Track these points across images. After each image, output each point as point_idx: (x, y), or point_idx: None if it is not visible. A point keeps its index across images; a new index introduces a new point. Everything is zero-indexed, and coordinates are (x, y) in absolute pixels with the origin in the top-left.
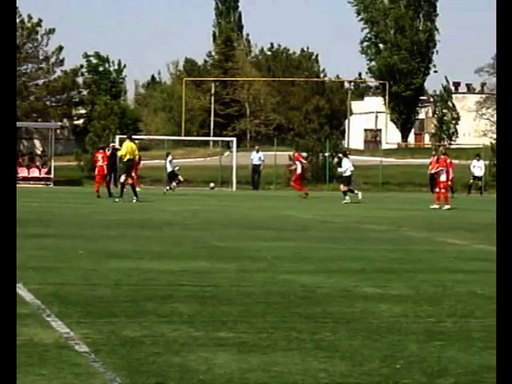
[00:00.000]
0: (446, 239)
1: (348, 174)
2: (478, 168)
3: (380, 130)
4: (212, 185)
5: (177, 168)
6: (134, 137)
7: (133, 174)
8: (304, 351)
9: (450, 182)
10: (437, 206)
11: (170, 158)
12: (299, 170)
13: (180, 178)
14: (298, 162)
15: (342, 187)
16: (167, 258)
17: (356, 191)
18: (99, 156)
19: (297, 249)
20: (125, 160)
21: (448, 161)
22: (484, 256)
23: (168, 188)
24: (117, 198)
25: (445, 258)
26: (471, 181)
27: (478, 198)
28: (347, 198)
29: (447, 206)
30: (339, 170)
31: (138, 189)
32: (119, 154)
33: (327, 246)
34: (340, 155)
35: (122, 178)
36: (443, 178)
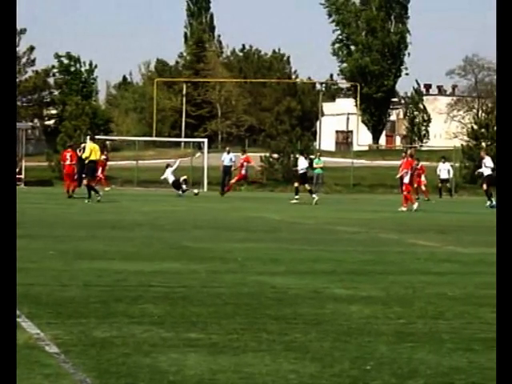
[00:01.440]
0: (417, 241)
1: (302, 171)
2: (445, 171)
3: (351, 132)
4: (196, 191)
5: (183, 178)
6: (102, 137)
7: (98, 175)
8: (274, 352)
9: (423, 187)
10: (404, 209)
11: (172, 168)
12: (243, 172)
13: (184, 186)
14: (245, 164)
15: (296, 184)
16: (138, 258)
17: (314, 195)
18: (67, 155)
19: (267, 250)
20: (89, 161)
21: (415, 163)
22: (454, 258)
23: (181, 192)
24: (86, 199)
25: (415, 259)
26: (439, 184)
27: (448, 200)
28: (296, 197)
29: (415, 206)
30: (296, 168)
31: (107, 188)
32: (84, 155)
33: (298, 247)
34: (298, 155)
35: (85, 181)
36: (406, 180)
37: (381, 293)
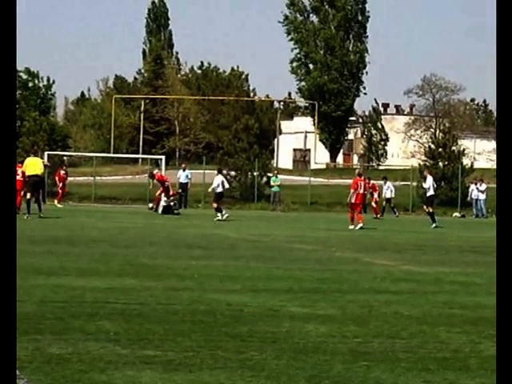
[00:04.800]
0: (374, 260)
1: (219, 190)
2: (387, 190)
3: (309, 150)
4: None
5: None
6: (60, 153)
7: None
8: (230, 370)
9: (374, 204)
10: (352, 227)
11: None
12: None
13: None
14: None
15: (214, 204)
16: (94, 275)
17: (223, 211)
18: (18, 170)
19: (224, 267)
20: (26, 176)
21: (361, 182)
22: (411, 277)
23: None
24: (25, 215)
25: (372, 278)
26: (384, 203)
27: (398, 218)
28: (219, 215)
29: (359, 226)
30: (212, 187)
31: (59, 205)
32: (27, 171)
33: (255, 265)
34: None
35: (28, 195)
36: (353, 199)
37: (337, 311)
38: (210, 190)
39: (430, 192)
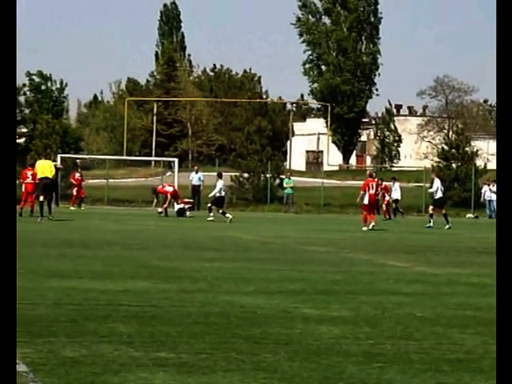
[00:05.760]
0: (387, 261)
1: (222, 194)
2: (396, 191)
3: (322, 152)
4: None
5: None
6: (72, 156)
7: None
8: (243, 372)
9: (384, 206)
10: (365, 229)
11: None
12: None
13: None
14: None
15: (215, 208)
16: (107, 277)
17: (227, 215)
18: (28, 173)
19: (237, 269)
20: (40, 178)
21: (373, 183)
22: (424, 278)
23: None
24: (38, 217)
25: (385, 280)
26: (394, 204)
27: (414, 220)
28: (211, 214)
29: (371, 225)
30: (214, 192)
31: (72, 208)
32: (38, 173)
33: (268, 267)
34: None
35: (41, 198)
36: (365, 200)
37: (350, 313)
38: (211, 195)
39: (439, 194)
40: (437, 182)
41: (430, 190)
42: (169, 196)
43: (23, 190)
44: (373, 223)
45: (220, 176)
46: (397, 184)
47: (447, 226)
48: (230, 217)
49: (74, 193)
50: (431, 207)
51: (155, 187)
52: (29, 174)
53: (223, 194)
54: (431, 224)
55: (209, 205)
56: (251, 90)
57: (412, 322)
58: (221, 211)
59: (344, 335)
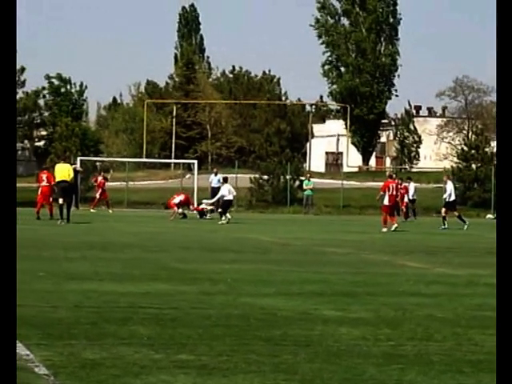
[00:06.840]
0: (407, 262)
1: (229, 197)
2: (411, 191)
3: (341, 153)
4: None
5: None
6: (92, 159)
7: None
8: (264, 374)
9: (403, 207)
10: (385, 230)
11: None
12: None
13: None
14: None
15: (219, 209)
16: (127, 280)
17: (227, 215)
18: (44, 176)
19: (257, 271)
20: (55, 182)
21: (393, 184)
22: (444, 280)
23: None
24: (58, 220)
25: (405, 281)
26: (410, 204)
27: (433, 221)
28: (223, 218)
29: (394, 227)
30: (220, 194)
31: (92, 210)
32: (56, 177)
33: (287, 268)
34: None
35: (61, 200)
36: (385, 201)
37: (370, 314)
38: (215, 198)
39: (452, 197)
40: (449, 185)
41: (445, 196)
42: (175, 209)
43: (39, 193)
44: (395, 225)
45: (226, 180)
46: (412, 184)
47: (465, 226)
48: (225, 222)
49: (98, 196)
50: (443, 210)
51: (167, 202)
52: (44, 177)
53: (231, 197)
54: (446, 226)
55: (219, 210)
56: (270, 92)
57: (432, 323)
58: (220, 210)
59: (364, 337)
